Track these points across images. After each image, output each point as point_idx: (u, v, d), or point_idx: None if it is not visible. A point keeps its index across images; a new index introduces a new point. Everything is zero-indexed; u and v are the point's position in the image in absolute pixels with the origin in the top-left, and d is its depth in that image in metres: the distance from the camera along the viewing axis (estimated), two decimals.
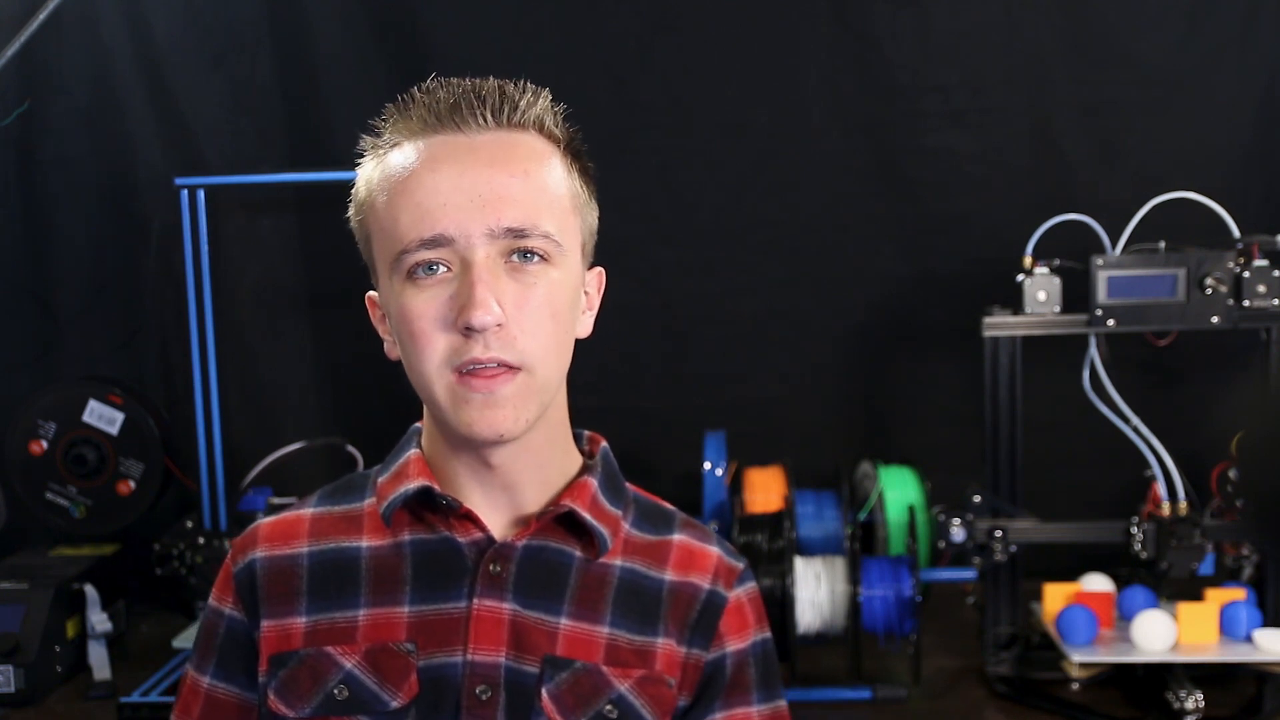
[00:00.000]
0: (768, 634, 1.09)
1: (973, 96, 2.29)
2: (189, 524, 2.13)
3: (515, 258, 0.95)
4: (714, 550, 1.08)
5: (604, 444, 1.10)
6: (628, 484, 1.11)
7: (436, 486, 1.01)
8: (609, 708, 0.99)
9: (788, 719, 1.09)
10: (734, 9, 2.32)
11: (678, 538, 1.08)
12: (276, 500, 2.18)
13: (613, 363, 2.34)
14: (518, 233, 0.94)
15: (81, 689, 1.96)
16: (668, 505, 1.12)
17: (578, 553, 1.03)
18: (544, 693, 0.98)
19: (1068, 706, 1.79)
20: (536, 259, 0.95)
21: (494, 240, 0.94)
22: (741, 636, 1.06)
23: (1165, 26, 2.25)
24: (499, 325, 0.93)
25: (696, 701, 1.04)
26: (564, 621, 1.01)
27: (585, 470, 1.06)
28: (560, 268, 0.97)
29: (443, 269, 0.94)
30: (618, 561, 1.04)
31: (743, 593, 1.08)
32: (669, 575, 1.05)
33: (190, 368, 2.15)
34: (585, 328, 1.05)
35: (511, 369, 0.94)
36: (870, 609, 1.85)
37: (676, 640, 1.03)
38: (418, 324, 0.95)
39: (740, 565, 1.09)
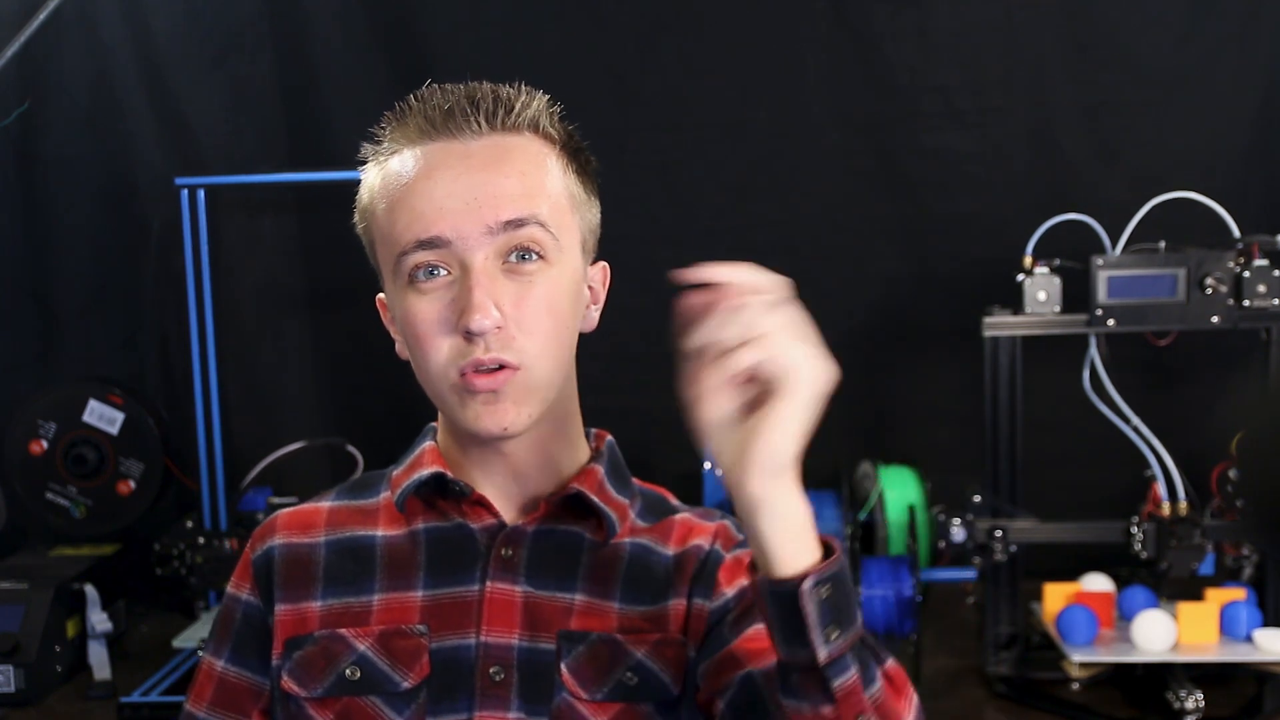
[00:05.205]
0: None
1: (973, 96, 2.29)
2: (189, 524, 2.13)
3: (513, 258, 0.96)
4: (715, 523, 1.09)
5: (610, 438, 1.12)
6: (635, 480, 1.12)
7: (449, 473, 1.04)
8: (629, 675, 1.00)
9: None
10: (734, 9, 2.32)
11: (680, 516, 1.10)
12: (276, 500, 2.17)
13: (614, 362, 2.34)
14: (515, 223, 0.95)
15: (81, 689, 1.96)
16: (673, 499, 1.13)
17: (588, 535, 1.05)
18: (563, 667, 1.00)
19: (1068, 706, 1.80)
20: (534, 257, 0.97)
21: (492, 238, 0.95)
22: (742, 581, 1.05)
23: (1165, 26, 2.24)
24: (498, 328, 0.94)
25: (705, 645, 1.03)
26: (578, 598, 1.02)
27: (593, 460, 1.09)
28: (557, 265, 0.99)
29: (443, 272, 0.96)
30: (626, 541, 1.06)
31: (742, 552, 1.06)
32: (673, 549, 1.06)
33: (190, 368, 2.15)
34: (590, 322, 1.07)
35: (511, 368, 0.96)
36: (870, 609, 1.85)
37: (685, 598, 1.04)
38: (421, 328, 0.97)
39: (742, 536, 1.08)
